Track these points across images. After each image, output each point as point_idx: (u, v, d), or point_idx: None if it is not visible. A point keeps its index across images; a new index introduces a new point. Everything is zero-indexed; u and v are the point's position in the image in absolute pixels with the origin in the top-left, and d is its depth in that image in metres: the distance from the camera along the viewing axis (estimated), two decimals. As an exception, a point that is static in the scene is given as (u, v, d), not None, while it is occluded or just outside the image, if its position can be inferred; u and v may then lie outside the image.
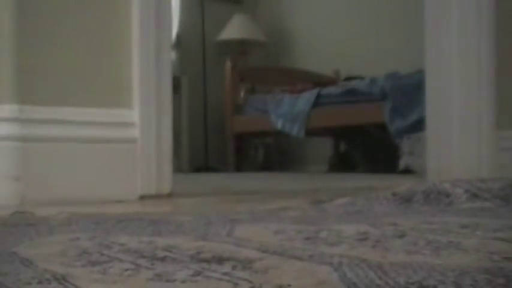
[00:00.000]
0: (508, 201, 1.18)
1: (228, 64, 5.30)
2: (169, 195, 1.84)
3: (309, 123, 4.52)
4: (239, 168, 5.30)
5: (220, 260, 0.67)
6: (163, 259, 0.68)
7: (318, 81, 4.97)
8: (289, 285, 0.54)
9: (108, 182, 1.72)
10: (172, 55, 5.22)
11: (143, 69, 1.81)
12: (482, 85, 2.21)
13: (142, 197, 1.76)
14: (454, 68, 2.22)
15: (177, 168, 4.58)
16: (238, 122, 5.21)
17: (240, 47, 5.71)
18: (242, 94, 5.37)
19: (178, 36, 5.68)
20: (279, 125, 4.74)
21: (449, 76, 2.22)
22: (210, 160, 5.61)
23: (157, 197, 1.79)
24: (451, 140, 2.20)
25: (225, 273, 0.60)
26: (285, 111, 4.70)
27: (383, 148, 4.41)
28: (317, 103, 4.49)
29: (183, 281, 0.57)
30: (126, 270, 0.62)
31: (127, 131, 1.78)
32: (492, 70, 2.22)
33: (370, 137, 4.60)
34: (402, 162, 3.74)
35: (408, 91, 3.77)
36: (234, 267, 0.62)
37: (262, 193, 2.14)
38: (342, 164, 5.10)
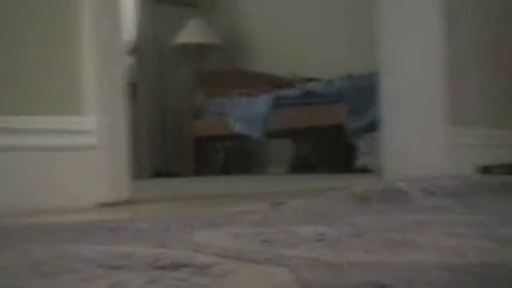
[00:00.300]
0: (462, 197, 1.20)
1: (185, 68, 5.29)
2: (129, 202, 1.82)
3: (268, 126, 4.54)
4: (200, 172, 5.28)
5: (177, 266, 0.66)
6: (120, 268, 0.67)
7: (276, 83, 4.99)
8: (247, 289, 0.54)
9: (65, 191, 1.69)
10: (130, 61, 5.17)
11: (97, 76, 1.79)
12: (434, 84, 2.25)
13: (101, 205, 1.74)
14: (407, 68, 2.25)
15: (137, 174, 4.54)
16: (197, 126, 5.20)
17: (197, 51, 5.69)
18: (200, 98, 5.36)
19: (135, 42, 5.63)
20: (237, 127, 4.74)
21: (402, 76, 2.26)
22: (171, 165, 5.57)
23: (116, 204, 1.77)
24: (406, 139, 2.24)
25: (182, 280, 0.59)
26: (243, 114, 4.71)
27: (341, 148, 4.45)
28: (275, 105, 4.51)
29: (139, 290, 0.56)
30: (81, 280, 0.61)
31: (84, 138, 1.75)
32: (444, 69, 2.26)
33: (328, 138, 4.64)
34: (359, 162, 3.79)
35: (364, 92, 3.81)
36: (191, 274, 0.62)
37: (222, 197, 2.13)
38: (302, 165, 5.13)
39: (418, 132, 2.23)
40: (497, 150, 2.30)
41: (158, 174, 5.35)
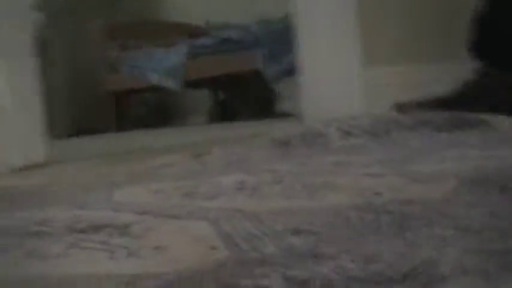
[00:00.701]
0: (377, 136, 1.23)
1: (95, 21, 5.13)
2: (45, 164, 1.77)
3: (185, 76, 4.49)
4: (121, 127, 5.20)
5: (97, 228, 0.65)
6: (36, 234, 0.65)
7: (191, 32, 4.92)
8: (167, 246, 0.54)
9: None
10: (39, 16, 4.96)
11: (4, 33, 1.70)
12: (349, 24, 2.27)
13: (15, 169, 1.68)
14: (321, 8, 2.26)
15: (56, 134, 4.42)
16: (114, 80, 5.08)
17: (108, 2, 5.51)
18: (115, 51, 5.22)
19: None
20: (153, 79, 4.67)
21: (317, 18, 2.26)
22: (92, 121, 5.45)
23: (31, 167, 1.71)
24: (323, 81, 2.26)
25: (102, 242, 0.58)
26: (159, 65, 4.63)
27: (260, 94, 4.47)
28: (191, 54, 4.46)
29: (57, 256, 0.55)
30: (-5, 251, 0.59)
31: (-8, 100, 1.68)
32: (357, 7, 2.27)
33: (247, 84, 4.64)
34: (280, 107, 3.82)
35: (280, 36, 3.81)
36: (110, 235, 0.61)
37: (143, 151, 2.11)
38: (222, 113, 5.12)
39: (334, 73, 2.25)
40: (416, 87, 2.34)
41: (80, 131, 5.23)
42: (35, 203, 0.90)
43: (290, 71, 3.71)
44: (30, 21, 1.82)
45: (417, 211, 0.55)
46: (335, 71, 2.26)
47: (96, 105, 5.42)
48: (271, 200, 0.71)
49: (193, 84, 4.79)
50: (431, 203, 0.59)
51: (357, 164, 0.93)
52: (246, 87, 4.77)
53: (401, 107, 1.86)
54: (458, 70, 1.96)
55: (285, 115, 3.76)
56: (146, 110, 5.61)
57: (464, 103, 1.67)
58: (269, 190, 0.78)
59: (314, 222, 0.57)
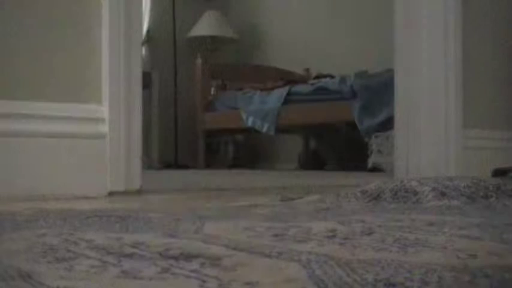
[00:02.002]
0: (473, 199, 1.19)
1: (199, 60, 5.29)
2: (139, 192, 1.82)
3: (279, 121, 4.53)
4: (209, 165, 5.29)
5: (188, 257, 0.67)
6: (130, 256, 0.67)
7: (289, 79, 4.99)
8: (258, 283, 0.54)
9: (76, 178, 1.70)
10: (143, 50, 5.18)
11: (113, 64, 1.79)
12: (449, 86, 2.24)
13: (111, 194, 1.75)
14: (423, 68, 2.24)
15: (147, 165, 4.56)
16: (208, 118, 5.20)
17: (211, 44, 5.69)
18: (213, 91, 5.36)
19: (149, 31, 5.64)
20: (249, 122, 4.74)
21: (418, 76, 2.24)
22: (180, 157, 5.59)
23: (126, 193, 1.77)
24: (419, 139, 2.23)
25: (193, 271, 0.59)
26: (256, 108, 4.70)
27: (352, 146, 4.44)
28: (287, 101, 4.51)
29: (151, 278, 0.56)
30: (93, 267, 0.61)
31: (96, 126, 1.76)
32: (459, 71, 2.25)
33: (340, 135, 4.63)
34: (371, 161, 3.78)
35: (377, 90, 3.80)
36: (202, 265, 0.62)
37: (232, 190, 2.13)
38: (311, 161, 5.12)
39: (431, 132, 2.22)
40: (509, 152, 2.29)
41: (168, 166, 5.37)
42: (130, 227, 0.93)
43: (384, 126, 3.68)
44: (139, 54, 1.90)
45: (516, 278, 0.53)
46: (432, 130, 2.22)
47: (187, 140, 5.56)
48: (362, 250, 0.70)
49: (286, 129, 4.83)
50: (533, 272, 0.57)
51: (451, 224, 0.91)
52: (338, 138, 4.76)
53: (498, 172, 1.80)
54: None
55: (375, 170, 3.71)
56: (236, 151, 5.69)
57: None
58: (360, 240, 0.77)
59: (406, 276, 0.56)
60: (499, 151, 2.29)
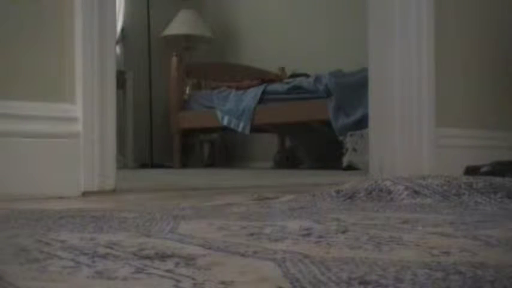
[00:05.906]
0: (446, 197, 1.21)
1: (174, 59, 5.27)
2: (113, 192, 1.81)
3: (254, 120, 4.54)
4: (185, 164, 5.27)
5: (163, 256, 0.66)
6: (104, 256, 0.67)
7: (264, 78, 4.99)
8: (233, 282, 0.54)
9: (50, 178, 1.68)
10: (117, 49, 5.15)
11: (86, 62, 1.77)
12: (422, 84, 2.26)
13: (85, 193, 1.73)
14: (396, 67, 2.26)
15: (122, 165, 4.53)
16: (183, 118, 5.18)
17: (185, 43, 5.67)
18: (188, 90, 5.34)
19: (124, 30, 5.60)
20: (224, 121, 4.74)
21: (392, 75, 2.26)
22: (156, 156, 5.56)
23: (100, 193, 1.76)
24: (393, 138, 2.24)
25: (168, 270, 0.59)
26: (231, 108, 4.70)
27: (328, 145, 4.46)
28: (263, 100, 4.51)
29: (124, 279, 0.56)
30: (66, 268, 0.61)
31: (69, 126, 1.74)
32: (432, 70, 2.27)
33: (315, 134, 4.65)
34: (346, 159, 3.80)
35: (352, 89, 3.82)
36: (176, 264, 0.62)
37: (207, 189, 2.13)
38: (287, 160, 5.13)
39: (404, 131, 2.24)
40: (481, 150, 2.31)
41: (143, 165, 5.34)
42: (104, 227, 0.92)
43: (358, 125, 3.70)
44: (114, 53, 1.89)
45: (490, 275, 0.54)
46: (405, 129, 2.24)
47: (162, 139, 5.54)
48: (337, 249, 0.70)
49: (262, 128, 4.84)
50: (505, 268, 0.57)
51: (425, 222, 0.92)
52: (313, 137, 4.78)
53: (473, 170, 1.82)
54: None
55: (350, 168, 3.73)
56: (211, 150, 5.68)
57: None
58: (335, 239, 0.77)
59: (380, 274, 0.56)
60: (471, 149, 2.32)
